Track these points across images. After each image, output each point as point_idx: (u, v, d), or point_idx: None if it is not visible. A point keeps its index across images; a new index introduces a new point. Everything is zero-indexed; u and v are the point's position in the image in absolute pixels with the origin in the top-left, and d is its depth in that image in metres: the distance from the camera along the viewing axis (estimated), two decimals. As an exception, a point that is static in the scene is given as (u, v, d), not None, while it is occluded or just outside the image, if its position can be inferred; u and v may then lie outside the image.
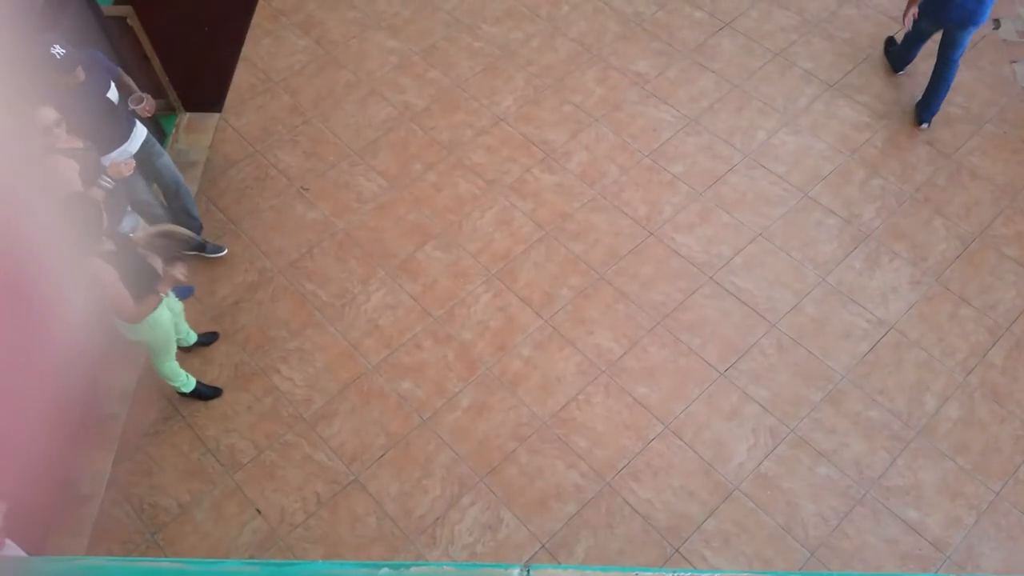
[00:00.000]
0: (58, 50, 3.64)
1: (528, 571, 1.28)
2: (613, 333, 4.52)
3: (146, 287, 3.50)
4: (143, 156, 4.32)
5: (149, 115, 4.19)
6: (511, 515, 3.93)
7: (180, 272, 3.63)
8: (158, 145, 4.46)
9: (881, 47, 5.81)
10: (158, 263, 3.84)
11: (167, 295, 3.72)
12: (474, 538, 3.88)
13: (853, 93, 5.58)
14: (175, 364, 4.07)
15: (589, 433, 4.17)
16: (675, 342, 4.48)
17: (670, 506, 3.93)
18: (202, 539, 3.89)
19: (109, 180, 3.66)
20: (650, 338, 4.50)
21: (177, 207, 4.68)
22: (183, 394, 4.24)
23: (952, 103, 5.46)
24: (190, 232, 4.02)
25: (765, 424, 4.17)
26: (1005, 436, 4.09)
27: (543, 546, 3.85)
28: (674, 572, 1.27)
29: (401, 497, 3.99)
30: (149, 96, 4.16)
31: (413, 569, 1.29)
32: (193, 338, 4.34)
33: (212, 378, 4.37)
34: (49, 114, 3.54)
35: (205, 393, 4.27)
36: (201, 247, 4.80)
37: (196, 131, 5.48)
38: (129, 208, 4.06)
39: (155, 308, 3.60)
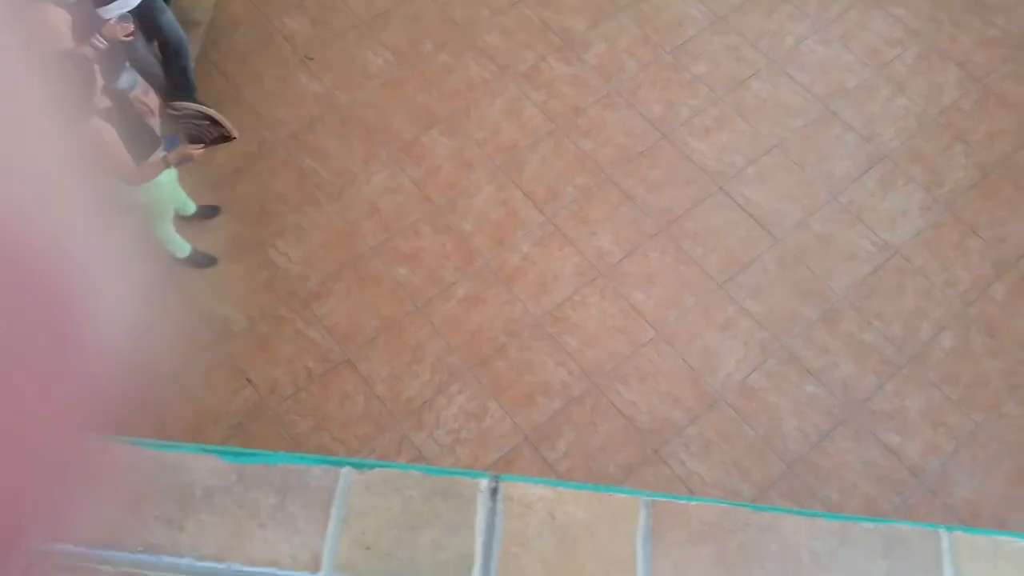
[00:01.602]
0: None
1: (497, 481, 1.26)
2: (615, 236, 4.46)
3: (145, 148, 3.40)
4: (144, 11, 4.11)
5: None
6: (497, 406, 3.98)
7: (196, 151, 3.52)
8: (160, 0, 4.24)
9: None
10: (156, 124, 3.72)
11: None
12: (459, 425, 3.94)
13: (889, 5, 5.30)
14: (171, 228, 4.02)
15: (581, 334, 4.18)
16: (677, 250, 4.43)
17: (654, 410, 3.99)
18: (191, 403, 3.95)
19: (102, 41, 3.48)
20: (652, 244, 4.44)
21: (175, 67, 4.50)
22: (177, 259, 4.21)
23: (991, 24, 5.21)
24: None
25: (757, 338, 4.18)
26: (994, 370, 4.12)
27: (526, 438, 3.92)
28: (651, 496, 1.26)
29: (390, 379, 4.03)
30: None
31: (377, 470, 1.27)
32: (191, 208, 4.26)
33: (208, 247, 4.32)
34: None
35: (200, 261, 4.24)
36: (226, 138, 4.64)
37: (199, -13, 5.21)
38: (127, 64, 3.89)
39: (158, 174, 3.51)
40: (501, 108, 4.85)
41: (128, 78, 3.77)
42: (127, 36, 3.49)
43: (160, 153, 3.50)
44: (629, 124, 4.82)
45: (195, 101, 4.61)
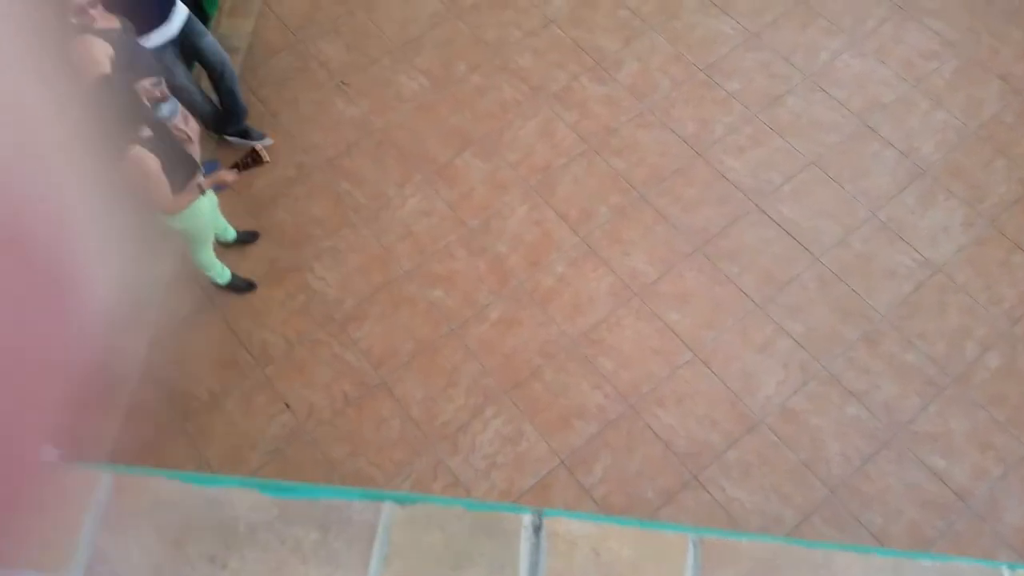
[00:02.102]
0: None
1: (541, 517, 1.25)
2: (649, 256, 4.43)
3: (185, 176, 3.46)
4: (184, 37, 4.20)
5: None
6: (532, 429, 3.96)
7: (231, 177, 3.58)
8: (200, 25, 4.31)
9: (964, -32, 5.41)
10: (196, 152, 3.78)
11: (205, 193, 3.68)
12: (495, 449, 3.93)
13: (925, 18, 5.23)
14: (211, 254, 4.08)
15: (616, 355, 4.15)
16: (713, 269, 4.38)
17: (692, 433, 3.94)
18: (231, 429, 3.98)
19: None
20: (687, 263, 4.41)
21: (224, 89, 4.56)
22: (218, 285, 4.27)
23: (1034, 35, 5.12)
24: (264, 153, 3.84)
25: (797, 359, 4.11)
26: (1043, 390, 4.00)
27: (562, 462, 3.89)
28: (699, 532, 1.23)
29: (426, 402, 4.03)
30: None
31: (419, 504, 1.26)
32: (232, 234, 4.32)
33: (247, 272, 4.38)
34: None
35: (240, 286, 4.29)
36: (246, 133, 4.73)
37: (239, 15, 5.31)
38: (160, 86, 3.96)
39: (195, 200, 3.56)
40: (534, 129, 4.86)
41: (168, 107, 3.85)
42: (161, 98, 3.51)
43: (199, 178, 3.56)
44: (663, 143, 4.80)
45: (246, 124, 4.70)
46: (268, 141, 4.77)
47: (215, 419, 4.01)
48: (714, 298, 4.30)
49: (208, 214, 3.76)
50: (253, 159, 3.75)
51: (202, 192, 3.56)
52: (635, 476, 3.85)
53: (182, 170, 3.43)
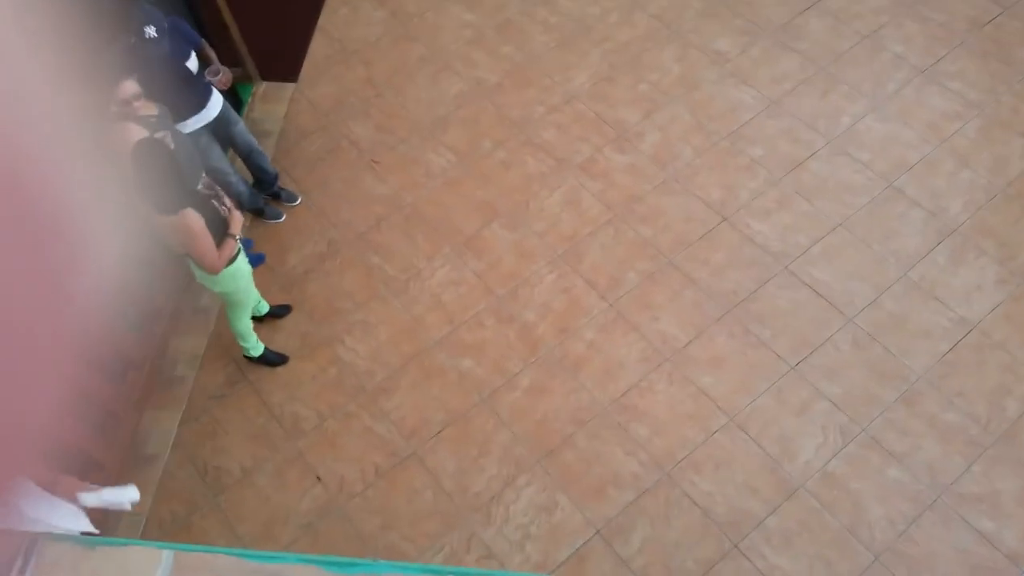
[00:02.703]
0: (151, 32, 3.70)
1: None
2: (679, 320, 4.42)
3: (219, 234, 3.58)
4: (218, 124, 4.39)
5: (226, 88, 4.24)
6: (567, 499, 3.90)
7: (239, 217, 3.70)
8: (234, 113, 4.52)
9: (978, 31, 5.50)
10: (224, 211, 3.91)
11: (241, 250, 3.79)
12: (528, 519, 3.86)
13: (946, 80, 5.29)
14: (250, 322, 4.15)
15: (650, 421, 4.10)
16: (744, 332, 4.35)
17: (731, 500, 3.84)
18: (263, 504, 3.97)
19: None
20: (718, 327, 4.38)
21: (253, 166, 4.79)
22: (250, 358, 4.32)
23: (1055, 93, 5.14)
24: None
25: (835, 422, 4.03)
26: (1094, 449, 3.87)
27: (598, 532, 3.81)
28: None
29: (458, 474, 4.00)
30: (227, 69, 4.21)
31: None
32: (265, 308, 4.41)
33: (279, 346, 4.44)
34: (131, 87, 3.61)
35: (272, 359, 4.35)
36: (276, 197, 4.92)
37: (272, 101, 5.54)
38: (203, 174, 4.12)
39: (235, 253, 3.67)
40: (560, 199, 4.94)
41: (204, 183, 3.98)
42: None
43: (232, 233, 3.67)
44: (688, 209, 4.84)
45: (278, 188, 4.89)
46: (299, 200, 4.97)
47: (247, 494, 4.00)
48: (747, 361, 4.26)
49: (248, 276, 3.86)
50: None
51: (237, 237, 3.66)
52: (674, 546, 3.75)
53: (217, 228, 3.54)
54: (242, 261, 3.79)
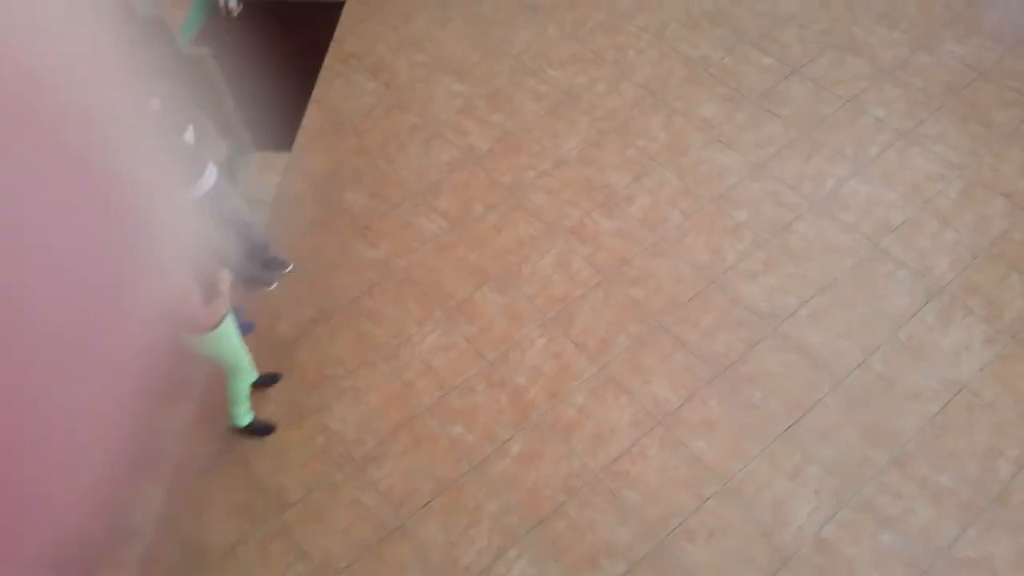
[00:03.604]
0: (154, 104, 3.80)
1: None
2: (671, 383, 4.42)
3: (209, 292, 3.59)
4: (212, 197, 4.45)
5: (220, 161, 4.31)
6: (558, 570, 3.84)
7: (227, 276, 3.72)
8: (228, 186, 4.59)
9: (956, 95, 5.63)
10: (225, 304, 3.95)
11: (229, 312, 3.81)
12: (520, 590, 3.80)
13: (927, 142, 5.40)
14: (248, 388, 4.14)
15: (642, 488, 4.06)
16: (735, 395, 4.35)
17: (725, 570, 3.79)
18: (250, 576, 3.91)
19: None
20: (709, 390, 4.38)
21: (244, 238, 4.83)
22: (236, 428, 4.31)
23: (1034, 154, 5.24)
24: None
25: (828, 486, 4.00)
26: (1090, 511, 3.83)
27: (591, 603, 3.74)
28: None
29: (447, 546, 3.94)
30: (223, 141, 4.29)
31: None
32: (253, 376, 4.41)
33: (268, 414, 4.42)
34: None
35: (259, 430, 4.33)
36: (271, 263, 4.97)
37: (266, 170, 5.63)
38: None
39: (225, 312, 3.69)
40: (550, 263, 4.99)
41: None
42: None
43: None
44: (677, 271, 4.88)
45: (270, 256, 4.93)
46: (290, 268, 5.02)
47: (230, 569, 3.94)
48: (739, 424, 4.24)
49: (237, 337, 3.87)
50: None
51: (225, 293, 3.67)
52: (667, 617, 3.68)
53: (207, 288, 3.56)
54: (229, 323, 3.81)
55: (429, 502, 4.08)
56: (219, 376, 4.32)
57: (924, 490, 3.95)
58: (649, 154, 5.50)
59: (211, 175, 4.42)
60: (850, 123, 5.56)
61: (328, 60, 6.40)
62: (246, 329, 4.73)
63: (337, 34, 6.61)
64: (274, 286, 4.99)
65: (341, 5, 6.84)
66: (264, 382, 4.48)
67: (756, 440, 4.18)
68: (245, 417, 4.26)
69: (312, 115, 6.01)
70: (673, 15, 6.45)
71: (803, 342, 4.52)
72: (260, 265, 5.01)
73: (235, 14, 6.71)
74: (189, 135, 4.19)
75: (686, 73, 6.00)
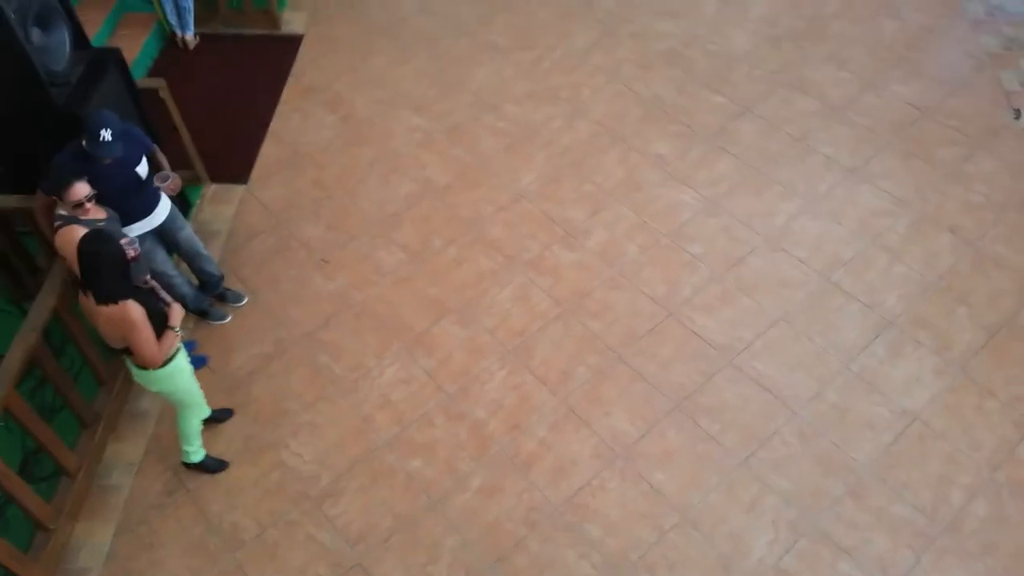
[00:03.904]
0: (106, 135, 3.74)
1: None
2: (630, 415, 4.43)
3: (159, 327, 3.52)
4: (165, 229, 4.38)
5: (174, 194, 4.25)
6: (520, 605, 3.78)
7: (179, 310, 3.66)
8: (181, 218, 4.53)
9: (902, 132, 5.84)
10: (163, 305, 3.88)
11: (181, 347, 3.72)
12: (480, 628, 3.73)
13: (875, 179, 5.57)
14: (200, 424, 4.04)
15: (603, 521, 4.04)
16: (693, 427, 4.37)
17: (686, 601, 3.77)
18: (200, 619, 3.77)
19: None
20: (668, 421, 4.40)
21: (196, 269, 4.75)
22: (189, 465, 4.18)
23: (973, 191, 5.44)
24: None
25: (785, 517, 4.02)
26: (1038, 537, 3.92)
27: (552, 639, 3.69)
28: None
29: (406, 582, 3.86)
30: (176, 175, 4.23)
31: None
32: (206, 412, 4.29)
33: (220, 451, 4.31)
34: (83, 189, 3.62)
35: (211, 467, 4.21)
36: (222, 297, 4.87)
37: (221, 202, 5.56)
38: (148, 276, 4.08)
39: (176, 347, 3.63)
40: (509, 295, 4.99)
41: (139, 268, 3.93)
42: (133, 258, 3.67)
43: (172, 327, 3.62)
44: (635, 304, 4.93)
45: (224, 289, 4.86)
46: (245, 300, 4.96)
47: (183, 610, 3.80)
48: (697, 456, 4.26)
49: (188, 374, 3.79)
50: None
51: (178, 330, 3.61)
52: (629, 652, 3.64)
53: (157, 321, 3.49)
54: (181, 359, 3.72)
55: (387, 539, 4.00)
56: (171, 411, 4.20)
57: (879, 520, 4.00)
58: (606, 190, 5.58)
59: (163, 209, 4.35)
60: (800, 160, 5.72)
61: (286, 94, 6.39)
62: (199, 363, 4.63)
63: (295, 68, 6.61)
64: (228, 319, 4.90)
65: (299, 40, 6.85)
66: (217, 417, 4.37)
67: (714, 471, 4.20)
68: (197, 454, 4.14)
69: (269, 148, 5.97)
70: (627, 55, 6.60)
71: (758, 374, 4.58)
72: (214, 298, 4.92)
73: (191, 47, 6.67)
74: (142, 168, 4.13)
75: (640, 111, 6.12)
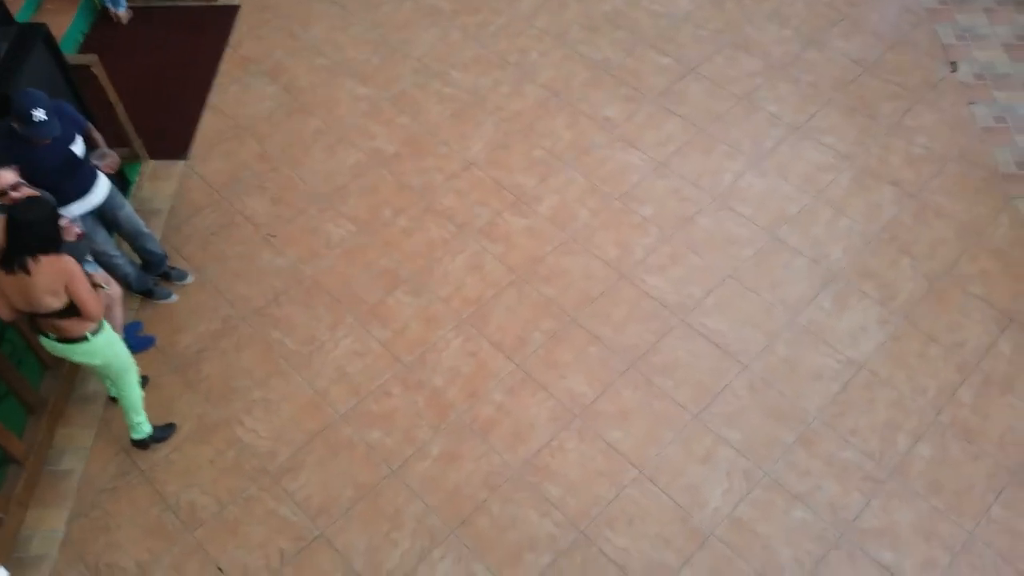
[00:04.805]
0: (39, 115, 3.60)
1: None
2: (586, 377, 4.47)
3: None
4: (105, 209, 4.26)
5: (113, 172, 4.13)
6: (483, 568, 3.81)
7: (103, 273, 3.73)
8: (121, 197, 4.40)
9: (844, 89, 5.92)
10: (119, 315, 3.83)
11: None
12: (445, 592, 3.76)
13: (818, 135, 5.65)
14: (140, 392, 3.97)
15: (562, 480, 4.09)
16: (648, 385, 4.43)
17: (646, 554, 3.85)
18: (161, 600, 3.73)
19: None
20: (623, 381, 4.45)
21: (139, 249, 4.63)
22: (139, 442, 4.11)
23: (915, 144, 5.55)
24: None
25: (739, 467, 4.12)
26: (978, 475, 4.07)
27: (516, 599, 3.74)
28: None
29: (369, 552, 3.87)
30: (114, 153, 4.11)
31: None
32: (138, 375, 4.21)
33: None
34: (8, 177, 3.48)
35: (160, 436, 4.16)
36: (167, 276, 4.77)
37: (161, 179, 5.42)
38: (90, 257, 3.97)
39: (104, 305, 3.63)
40: (463, 264, 4.98)
41: (89, 269, 3.84)
42: (77, 237, 3.62)
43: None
44: (588, 268, 4.95)
45: (168, 268, 4.73)
46: (189, 279, 4.85)
47: (143, 591, 3.76)
48: (653, 413, 4.32)
49: (121, 340, 3.76)
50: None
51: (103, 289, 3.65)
52: (592, 607, 3.71)
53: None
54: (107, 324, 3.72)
55: (349, 509, 3.99)
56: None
57: (829, 466, 4.11)
58: (555, 154, 5.57)
59: (102, 187, 4.22)
60: (745, 119, 5.77)
61: (223, 65, 6.22)
62: (146, 344, 4.54)
63: (232, 39, 6.43)
64: (174, 298, 4.79)
65: (235, 10, 6.66)
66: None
67: (669, 427, 4.27)
68: (146, 425, 4.07)
69: (208, 121, 5.82)
70: (574, 18, 6.55)
71: (709, 330, 4.65)
72: (158, 277, 4.81)
73: (124, 21, 6.44)
74: (78, 146, 3.99)
75: (588, 75, 6.10)
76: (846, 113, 5.79)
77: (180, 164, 5.51)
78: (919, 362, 4.49)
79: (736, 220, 5.17)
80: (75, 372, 4.42)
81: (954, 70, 6.06)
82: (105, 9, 6.48)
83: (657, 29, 6.44)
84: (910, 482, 4.05)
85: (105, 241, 4.33)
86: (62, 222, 3.56)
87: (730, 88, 5.98)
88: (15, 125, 3.65)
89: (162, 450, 4.19)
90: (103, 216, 4.33)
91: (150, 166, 5.49)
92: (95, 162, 4.06)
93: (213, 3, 6.71)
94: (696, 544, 3.88)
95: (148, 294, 4.73)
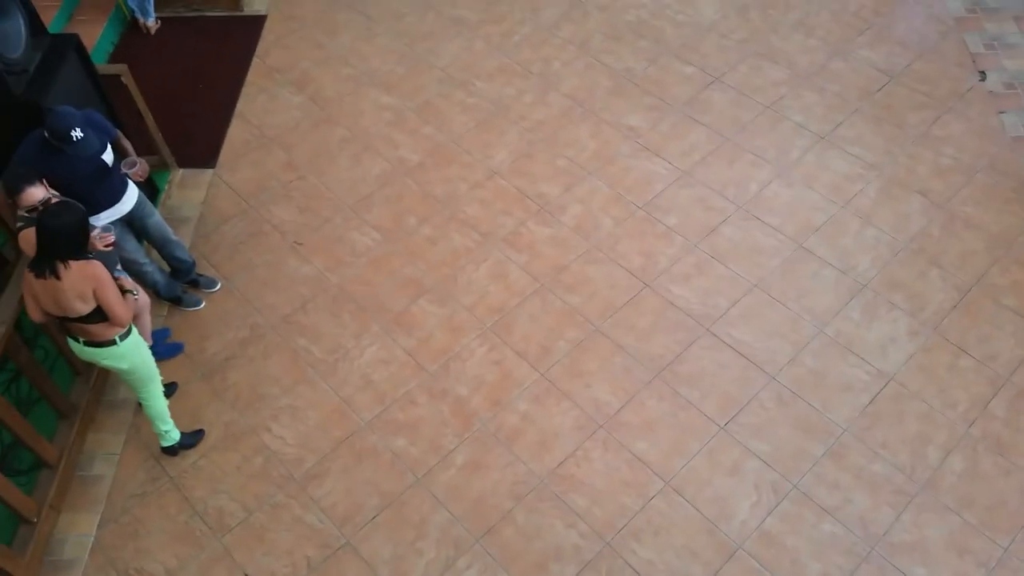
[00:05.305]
0: (77, 134, 3.66)
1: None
2: (611, 386, 4.45)
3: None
4: (134, 217, 4.31)
5: (142, 179, 4.18)
6: (508, 577, 3.80)
7: (129, 280, 3.76)
8: (150, 205, 4.44)
9: (870, 98, 5.88)
10: (147, 322, 3.87)
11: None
12: (470, 602, 3.75)
13: (844, 145, 5.62)
14: (165, 400, 4.00)
15: (588, 490, 4.07)
16: (674, 395, 4.41)
17: (672, 567, 3.82)
18: (188, 606, 3.75)
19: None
20: (648, 391, 4.43)
21: (167, 256, 4.68)
22: (168, 449, 4.14)
23: (943, 154, 5.50)
24: None
25: (767, 480, 4.08)
26: (1011, 489, 4.01)
27: (542, 610, 3.72)
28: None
29: (394, 560, 3.87)
30: (143, 161, 4.15)
31: None
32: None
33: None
34: (37, 194, 3.53)
35: (189, 442, 4.19)
36: (195, 284, 4.82)
37: (189, 187, 5.47)
38: (119, 266, 4.02)
39: (132, 311, 3.66)
40: (486, 272, 4.98)
41: (119, 274, 3.88)
42: (107, 247, 3.67)
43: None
44: (612, 277, 4.94)
45: (196, 275, 4.80)
46: (218, 286, 4.89)
47: (171, 597, 3.78)
48: (678, 424, 4.30)
49: (147, 347, 3.81)
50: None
51: (132, 293, 3.69)
52: (618, 618, 3.69)
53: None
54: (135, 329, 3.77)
55: (374, 518, 4.00)
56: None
57: (859, 479, 4.07)
58: (579, 163, 5.57)
59: (131, 195, 4.27)
60: (771, 128, 5.75)
61: (251, 75, 6.28)
62: (174, 351, 4.58)
63: (259, 49, 6.50)
64: (202, 306, 4.83)
65: (262, 20, 6.73)
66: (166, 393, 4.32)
67: (695, 438, 4.25)
68: (174, 432, 4.10)
69: (236, 130, 5.87)
70: (597, 27, 6.57)
71: (735, 341, 4.62)
72: (186, 285, 4.86)
73: (153, 31, 6.53)
74: (107, 155, 4.04)
75: (611, 84, 6.11)
76: (873, 123, 5.75)
77: (208, 173, 5.57)
78: (950, 374, 4.44)
79: (762, 230, 5.14)
80: (105, 378, 4.47)
81: (983, 79, 6.01)
82: (134, 19, 6.57)
83: (681, 38, 6.44)
84: (941, 496, 4.00)
85: (135, 249, 4.37)
86: (94, 232, 3.61)
87: (755, 97, 5.96)
88: (56, 143, 3.70)
89: (190, 456, 4.22)
90: (132, 224, 4.38)
91: (178, 174, 5.55)
92: (124, 170, 4.11)
93: (240, 13, 6.79)
94: (724, 557, 3.84)
95: (176, 301, 4.77)
